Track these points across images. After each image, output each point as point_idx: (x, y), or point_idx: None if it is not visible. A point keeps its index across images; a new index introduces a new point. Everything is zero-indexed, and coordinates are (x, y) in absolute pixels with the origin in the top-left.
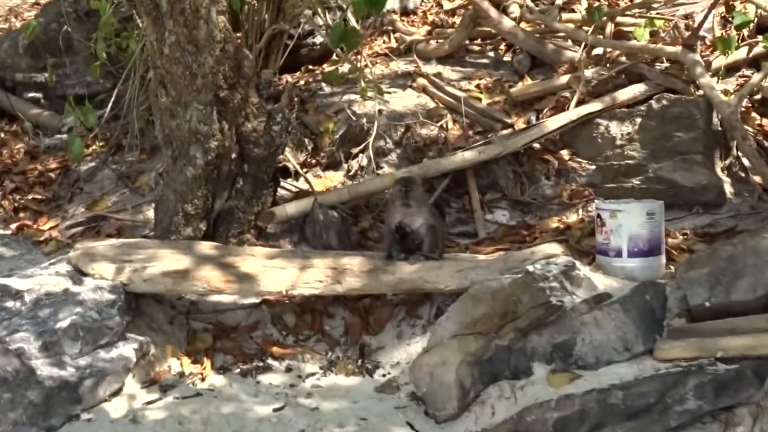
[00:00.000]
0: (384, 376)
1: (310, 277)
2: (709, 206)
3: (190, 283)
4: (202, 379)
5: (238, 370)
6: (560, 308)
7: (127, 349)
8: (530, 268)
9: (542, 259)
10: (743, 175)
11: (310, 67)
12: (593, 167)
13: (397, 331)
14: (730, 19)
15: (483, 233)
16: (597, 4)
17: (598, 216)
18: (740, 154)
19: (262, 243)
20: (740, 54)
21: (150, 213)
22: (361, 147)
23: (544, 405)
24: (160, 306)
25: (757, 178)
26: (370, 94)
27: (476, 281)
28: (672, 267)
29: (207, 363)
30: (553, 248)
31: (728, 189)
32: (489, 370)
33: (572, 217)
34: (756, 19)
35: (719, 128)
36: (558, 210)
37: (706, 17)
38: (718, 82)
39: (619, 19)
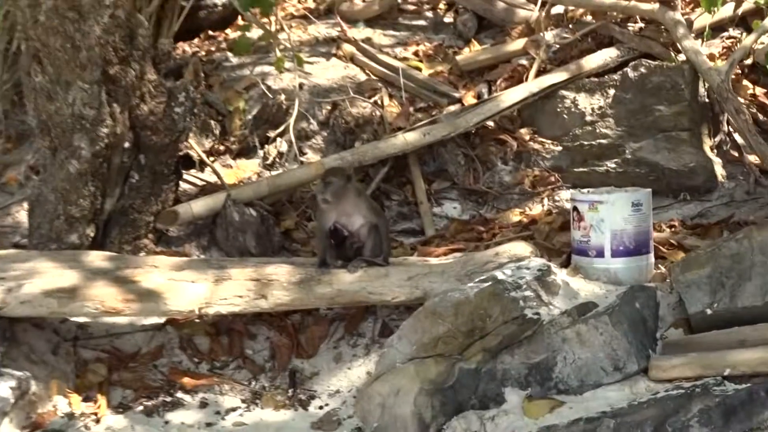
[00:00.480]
0: (321, 408)
1: (227, 291)
2: (697, 192)
3: (79, 303)
4: (97, 421)
5: (141, 408)
6: (536, 322)
7: (1, 388)
8: (499, 274)
9: (510, 262)
10: (736, 154)
11: (210, 32)
12: (559, 149)
13: (335, 353)
14: None
15: (431, 230)
16: None
17: (575, 209)
18: (732, 130)
19: (163, 250)
20: (726, 11)
21: (21, 216)
22: (280, 130)
23: None
24: (40, 332)
25: (753, 158)
26: (287, 65)
27: (430, 291)
28: (662, 267)
29: (102, 400)
30: (521, 248)
31: (719, 171)
32: (453, 399)
33: (537, 209)
34: None
35: (707, 100)
36: (519, 200)
37: None
38: (702, 44)
39: None
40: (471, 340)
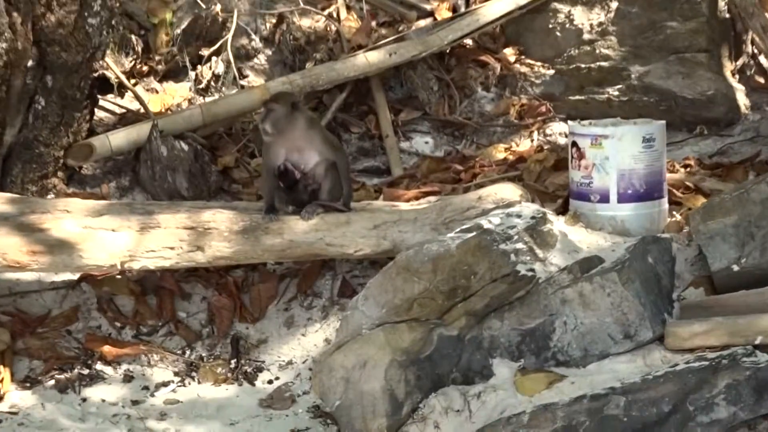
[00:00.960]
0: (270, 382)
1: (155, 241)
2: (717, 125)
3: None
4: (0, 398)
5: (52, 383)
6: (530, 280)
7: None
8: (485, 223)
9: (497, 208)
10: (762, 81)
11: None
12: (551, 72)
13: (286, 317)
14: None
15: (399, 169)
16: None
17: (574, 145)
18: (757, 51)
19: (76, 191)
20: None
21: None
22: (215, 47)
23: (513, 420)
24: None
25: None
26: None
27: (401, 242)
28: (676, 214)
29: (4, 373)
30: (509, 191)
31: (742, 101)
32: (430, 373)
33: (525, 144)
34: None
35: (728, 16)
36: (504, 134)
37: None
38: None
39: None
40: (452, 301)
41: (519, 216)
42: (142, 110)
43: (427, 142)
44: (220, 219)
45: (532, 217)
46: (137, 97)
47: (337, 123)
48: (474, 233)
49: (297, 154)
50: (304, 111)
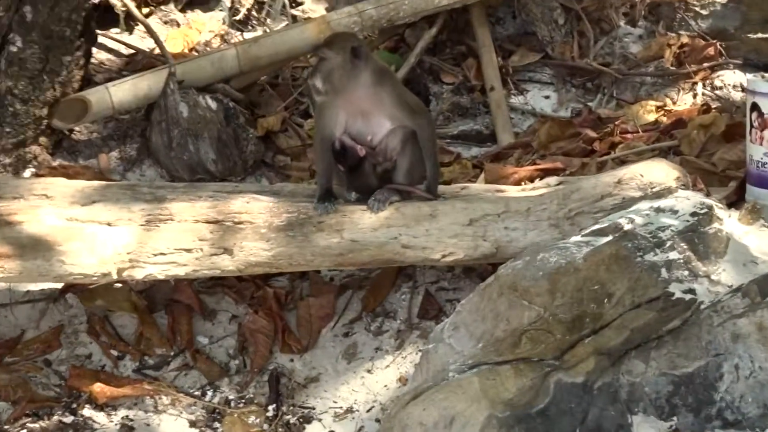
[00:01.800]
0: None
1: (167, 240)
2: None
3: None
4: None
5: None
6: (689, 306)
7: None
8: (624, 221)
9: (643, 199)
10: None
11: None
12: (723, 0)
13: (345, 345)
14: None
15: (507, 136)
16: None
17: (754, 108)
18: None
19: (64, 164)
20: None
21: None
22: None
23: None
24: None
25: None
26: None
27: (507, 245)
28: None
29: None
30: (661, 171)
31: None
32: None
33: (684, 101)
34: None
35: None
36: (656, 87)
37: None
38: None
39: None
40: (577, 335)
41: (674, 212)
42: (157, 51)
43: (547, 97)
44: (256, 209)
45: (693, 213)
46: (150, 33)
47: (423, 70)
48: (609, 237)
49: (361, 121)
50: (371, 60)
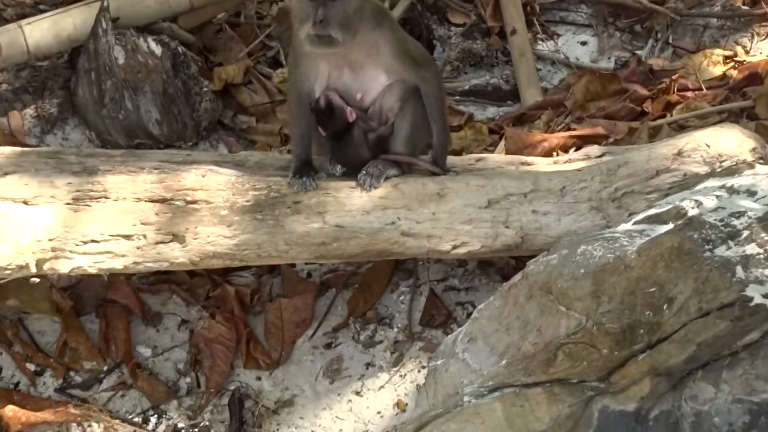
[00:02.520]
0: None
1: (98, 224)
2: None
3: None
4: None
5: None
6: None
7: None
8: (689, 205)
9: (709, 175)
10: None
11: None
12: None
13: (327, 360)
14: None
15: (534, 92)
16: None
17: None
18: None
19: None
20: None
21: None
22: None
23: None
24: None
25: None
26: None
27: (535, 234)
28: None
29: None
30: (732, 139)
31: None
32: None
33: (759, 48)
34: None
35: None
36: (722, 31)
37: None
38: None
39: None
40: (628, 350)
41: (751, 193)
42: None
43: (584, 44)
44: (214, 184)
45: None
46: None
47: (424, 7)
48: (669, 226)
49: (349, 73)
50: None
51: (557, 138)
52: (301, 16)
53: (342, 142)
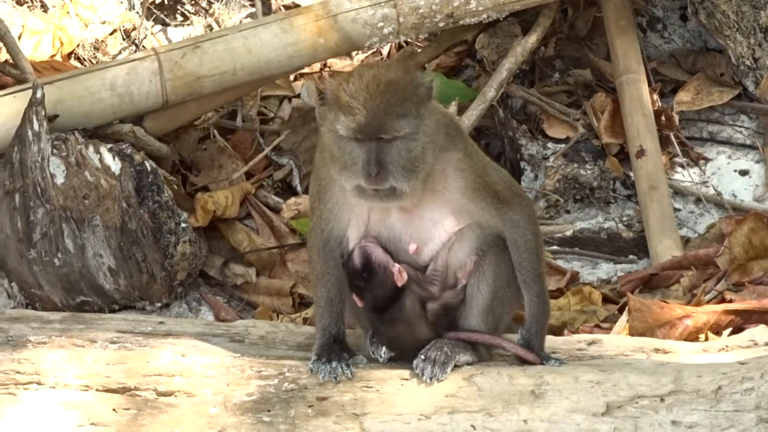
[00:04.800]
0: None
1: (30, 426)
2: None
3: None
4: None
5: None
6: None
7: None
8: None
9: None
10: None
11: None
12: None
13: None
14: None
15: (670, 242)
16: None
17: None
18: None
19: None
20: None
21: None
22: None
23: None
24: None
25: None
26: None
27: None
28: None
29: None
30: None
31: None
32: None
33: None
34: None
35: None
36: None
37: None
38: None
39: None
40: None
41: None
42: (8, 58)
43: (745, 173)
44: (198, 368)
45: None
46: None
47: (509, 112)
48: None
49: (400, 215)
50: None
51: (707, 313)
52: (343, 159)
53: (388, 315)
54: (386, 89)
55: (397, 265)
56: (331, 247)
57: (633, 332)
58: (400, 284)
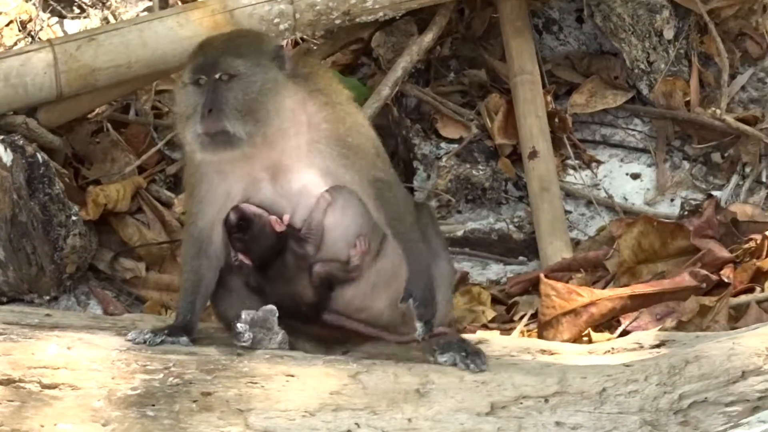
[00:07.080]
0: None
1: None
2: None
3: None
4: None
5: None
6: None
7: None
8: None
9: None
10: None
11: None
12: None
13: None
14: None
15: (560, 244)
16: None
17: None
18: None
19: None
20: None
21: None
22: None
23: None
24: None
25: None
26: None
27: None
28: None
29: None
30: None
31: None
32: None
33: None
34: None
35: None
36: None
37: None
38: None
39: None
40: None
41: None
42: None
43: (636, 177)
44: (84, 361)
45: None
46: None
47: (403, 111)
48: None
49: (270, 185)
50: (298, 71)
51: (612, 300)
52: (185, 110)
53: (273, 272)
54: (229, 36)
55: (273, 216)
56: (195, 239)
57: (543, 317)
58: (279, 229)
